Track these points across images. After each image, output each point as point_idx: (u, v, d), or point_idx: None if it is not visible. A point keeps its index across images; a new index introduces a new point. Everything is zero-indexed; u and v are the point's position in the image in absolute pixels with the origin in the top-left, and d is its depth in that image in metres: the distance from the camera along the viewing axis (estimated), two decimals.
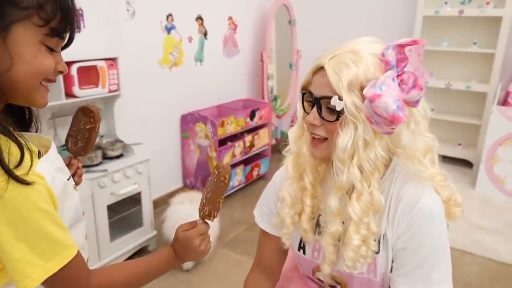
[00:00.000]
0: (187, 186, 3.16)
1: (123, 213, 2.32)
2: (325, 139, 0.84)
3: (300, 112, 0.90)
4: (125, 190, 2.18)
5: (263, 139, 3.39)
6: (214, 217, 0.79)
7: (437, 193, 0.86)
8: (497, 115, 3.12)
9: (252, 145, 3.26)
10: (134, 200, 2.32)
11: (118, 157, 2.25)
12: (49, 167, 0.69)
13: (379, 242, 0.85)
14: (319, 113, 0.81)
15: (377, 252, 0.86)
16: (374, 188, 0.80)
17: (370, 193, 0.80)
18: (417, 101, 0.78)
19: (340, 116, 0.78)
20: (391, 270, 0.88)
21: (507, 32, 3.30)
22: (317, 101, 0.81)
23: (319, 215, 0.94)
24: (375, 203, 0.81)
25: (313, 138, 0.86)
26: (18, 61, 0.64)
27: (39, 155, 0.69)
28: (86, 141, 0.98)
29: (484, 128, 3.39)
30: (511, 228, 2.73)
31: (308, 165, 0.90)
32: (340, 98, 0.76)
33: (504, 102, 3.31)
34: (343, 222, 0.85)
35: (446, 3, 3.59)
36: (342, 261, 0.86)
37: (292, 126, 0.97)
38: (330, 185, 0.87)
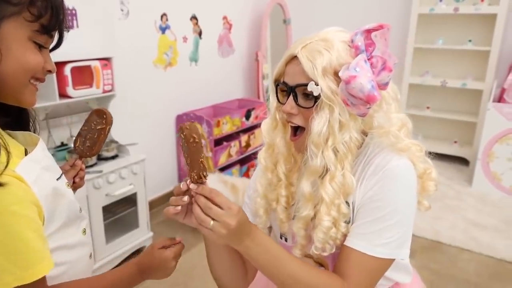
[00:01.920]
0: None
1: (119, 215, 2.30)
2: (303, 128, 0.85)
3: (273, 103, 0.91)
4: (121, 191, 2.16)
5: (259, 139, 3.37)
6: (205, 177, 0.74)
7: (413, 164, 0.85)
8: (493, 112, 3.12)
9: (248, 144, 3.24)
10: (130, 201, 2.30)
11: (113, 157, 2.23)
12: (34, 166, 0.67)
13: (353, 212, 0.85)
14: (296, 101, 0.83)
15: (349, 222, 0.85)
16: (346, 170, 0.81)
17: (342, 175, 0.81)
18: (387, 83, 0.80)
19: (317, 101, 0.79)
20: None
21: (501, 29, 3.31)
22: (292, 90, 0.82)
23: (297, 204, 0.94)
24: (347, 185, 0.82)
25: (293, 134, 0.87)
26: (7, 56, 0.63)
27: (26, 154, 0.68)
28: (93, 142, 0.98)
29: (480, 126, 3.40)
30: (508, 224, 2.73)
31: (282, 156, 0.91)
32: (316, 84, 0.78)
33: (499, 99, 3.32)
34: (314, 207, 0.86)
35: (441, 0, 3.59)
36: (311, 245, 0.86)
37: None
38: (303, 171, 0.88)
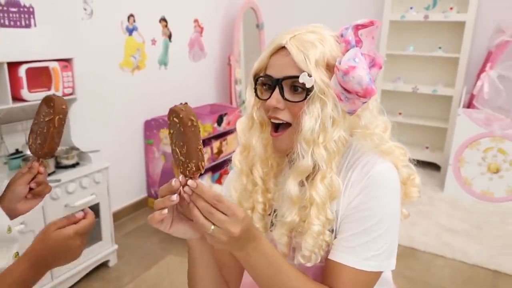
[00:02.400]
0: (152, 196, 3.01)
1: None
2: (288, 125, 0.79)
3: (250, 100, 0.83)
4: (81, 201, 2.02)
5: (231, 145, 3.28)
6: (203, 167, 0.64)
7: (396, 169, 0.82)
8: (463, 118, 3.15)
9: (220, 151, 3.15)
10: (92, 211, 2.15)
11: (73, 166, 2.09)
12: None
13: (336, 220, 0.80)
14: (282, 95, 0.76)
15: (332, 231, 0.80)
16: (333, 172, 0.77)
17: (331, 177, 0.77)
18: (374, 82, 0.76)
19: (309, 95, 0.74)
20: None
21: (470, 36, 3.36)
22: (278, 83, 0.76)
23: (275, 213, 0.87)
24: (334, 187, 0.77)
25: (274, 130, 0.81)
26: None
27: None
28: (44, 138, 0.83)
29: (451, 131, 3.43)
30: (479, 229, 2.74)
31: (258, 159, 0.84)
32: (309, 75, 0.73)
33: (469, 105, 3.36)
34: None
35: (411, 8, 3.62)
36: (296, 253, 0.80)
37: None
38: (286, 175, 0.82)
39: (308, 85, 0.73)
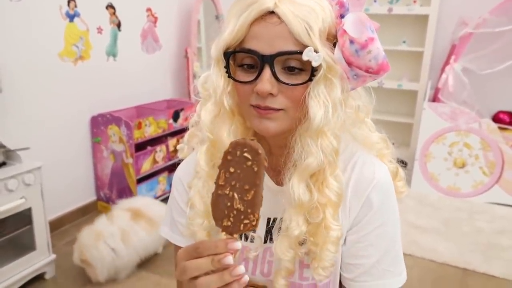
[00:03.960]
0: (102, 199, 2.74)
1: (8, 235, 1.88)
2: (280, 110, 0.61)
3: (219, 84, 0.64)
4: (8, 206, 1.75)
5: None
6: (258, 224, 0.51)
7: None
8: (428, 112, 3.08)
9: (177, 149, 2.92)
10: (23, 218, 1.89)
11: None
12: None
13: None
14: (276, 77, 0.58)
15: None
16: (339, 158, 0.65)
17: (338, 164, 0.64)
18: None
19: (314, 75, 0.58)
20: (340, 267, 0.71)
21: (434, 29, 3.31)
22: (270, 61, 0.57)
23: (274, 222, 0.72)
24: (339, 178, 0.64)
25: (262, 108, 0.61)
26: None
27: None
28: None
29: (417, 126, 3.36)
30: (447, 226, 2.65)
31: None
32: (315, 50, 0.56)
33: (434, 99, 3.30)
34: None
35: (375, 1, 3.54)
36: (302, 269, 0.69)
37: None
38: (264, 187, 0.66)
39: (315, 63, 0.57)
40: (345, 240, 0.69)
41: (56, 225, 2.42)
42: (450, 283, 2.09)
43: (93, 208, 2.75)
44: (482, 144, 2.98)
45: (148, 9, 3.02)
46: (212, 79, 0.64)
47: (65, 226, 2.53)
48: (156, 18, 3.09)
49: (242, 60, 0.61)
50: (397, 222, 0.69)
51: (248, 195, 0.50)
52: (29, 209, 1.88)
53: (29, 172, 1.84)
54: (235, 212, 0.50)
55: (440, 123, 3.06)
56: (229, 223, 0.50)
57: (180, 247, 0.76)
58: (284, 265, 0.66)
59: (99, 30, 2.59)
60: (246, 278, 0.50)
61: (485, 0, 3.06)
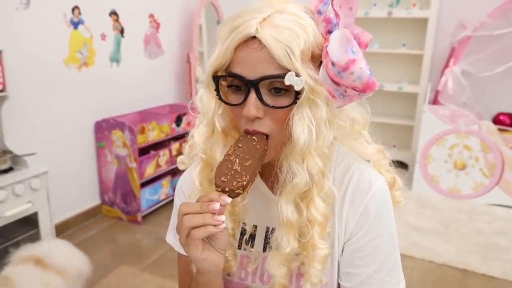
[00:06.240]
0: (106, 203, 2.78)
1: (15, 239, 1.92)
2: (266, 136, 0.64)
3: (210, 106, 0.66)
4: (15, 210, 1.80)
5: (193, 147, 3.10)
6: (247, 192, 0.61)
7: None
8: (428, 115, 3.11)
9: (180, 153, 2.96)
10: (29, 222, 1.93)
11: (6, 171, 1.86)
12: None
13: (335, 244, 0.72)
14: (261, 100, 0.60)
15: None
16: (328, 180, 0.65)
17: (328, 187, 0.65)
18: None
19: (298, 98, 0.59)
20: (338, 276, 0.73)
21: (433, 32, 3.34)
22: (254, 85, 0.59)
23: (272, 231, 0.73)
24: (330, 195, 0.65)
25: (250, 132, 0.64)
26: None
27: None
28: None
29: (417, 129, 3.39)
30: (447, 227, 2.68)
31: None
32: (297, 74, 0.57)
33: (434, 102, 3.33)
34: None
35: (375, 5, 3.58)
36: (299, 278, 0.71)
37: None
38: (261, 196, 0.72)
39: (297, 88, 0.58)
40: (342, 250, 0.70)
41: (61, 229, 2.46)
42: (450, 284, 2.12)
43: (98, 211, 2.79)
44: (482, 146, 3.00)
45: (151, 15, 3.06)
46: (203, 100, 0.67)
47: (70, 229, 2.57)
48: (158, 24, 3.14)
49: (231, 81, 0.62)
50: (394, 232, 0.70)
51: (246, 163, 0.60)
52: (36, 213, 1.93)
53: (35, 177, 1.88)
54: (232, 172, 0.59)
55: (440, 125, 3.09)
56: (225, 180, 0.59)
57: (183, 255, 0.79)
58: (277, 280, 0.68)
59: (103, 37, 2.64)
60: (223, 226, 0.57)
61: (483, 3, 3.09)
